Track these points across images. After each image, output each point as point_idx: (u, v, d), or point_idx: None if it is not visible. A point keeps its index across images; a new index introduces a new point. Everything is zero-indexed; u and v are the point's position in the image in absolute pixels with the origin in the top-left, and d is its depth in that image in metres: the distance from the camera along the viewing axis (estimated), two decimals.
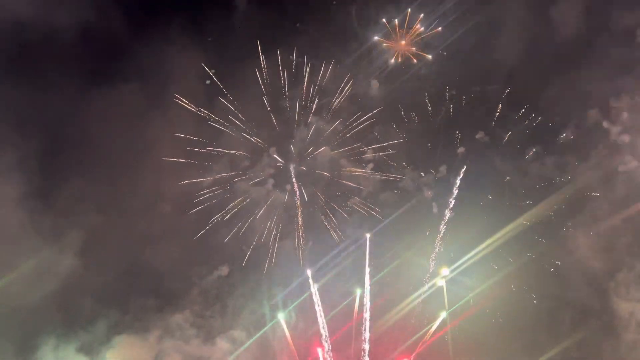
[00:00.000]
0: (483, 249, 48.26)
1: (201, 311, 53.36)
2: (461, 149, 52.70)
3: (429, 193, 53.54)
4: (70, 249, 50.77)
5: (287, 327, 52.34)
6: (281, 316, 52.01)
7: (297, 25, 54.67)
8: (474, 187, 51.82)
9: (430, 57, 53.85)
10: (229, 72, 55.21)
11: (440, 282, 49.08)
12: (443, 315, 48.93)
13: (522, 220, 49.57)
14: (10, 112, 49.49)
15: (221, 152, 55.83)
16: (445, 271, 48.56)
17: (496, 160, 51.24)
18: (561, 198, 49.09)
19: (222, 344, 51.50)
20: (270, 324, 52.38)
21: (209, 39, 54.53)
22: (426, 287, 50.24)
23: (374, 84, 54.51)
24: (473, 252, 48.55)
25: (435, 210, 51.92)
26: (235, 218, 55.26)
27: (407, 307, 50.25)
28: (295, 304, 53.09)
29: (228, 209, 55.15)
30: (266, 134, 55.57)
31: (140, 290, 52.82)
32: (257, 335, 52.45)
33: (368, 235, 52.58)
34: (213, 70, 54.83)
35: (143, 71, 53.43)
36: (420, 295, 50.15)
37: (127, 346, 49.50)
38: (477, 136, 52.45)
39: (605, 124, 47.13)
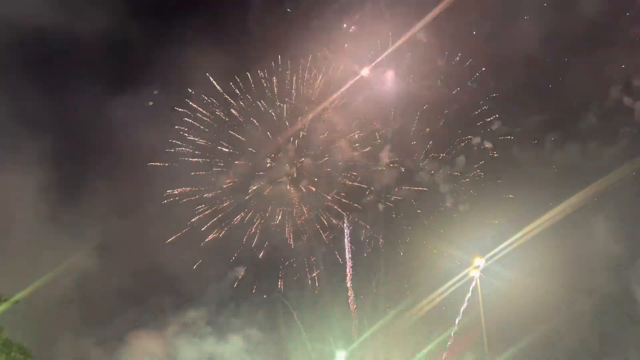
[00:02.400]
0: (516, 240, 46.53)
1: (217, 309, 53.68)
2: (477, 140, 51.39)
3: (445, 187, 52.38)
4: (91, 248, 52.61)
5: None
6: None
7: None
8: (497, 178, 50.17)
9: None
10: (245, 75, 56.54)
11: (474, 272, 47.43)
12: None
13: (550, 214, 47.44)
14: (36, 116, 52.72)
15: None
16: (479, 261, 46.99)
17: (515, 150, 49.38)
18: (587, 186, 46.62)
19: (236, 341, 51.41)
20: None
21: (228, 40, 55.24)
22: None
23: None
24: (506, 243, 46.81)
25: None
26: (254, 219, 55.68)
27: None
28: None
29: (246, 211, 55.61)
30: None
31: (157, 289, 53.81)
32: None
33: None
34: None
35: (162, 75, 55.84)
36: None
37: (143, 342, 50.04)
38: (494, 127, 51.07)
39: (627, 102, 44.88)
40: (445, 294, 49.02)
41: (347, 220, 54.06)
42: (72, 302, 51.44)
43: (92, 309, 51.82)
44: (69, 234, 52.12)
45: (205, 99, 55.94)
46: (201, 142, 55.97)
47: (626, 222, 45.52)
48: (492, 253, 48.27)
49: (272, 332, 53.42)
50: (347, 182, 55.47)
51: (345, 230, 53.58)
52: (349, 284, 52.51)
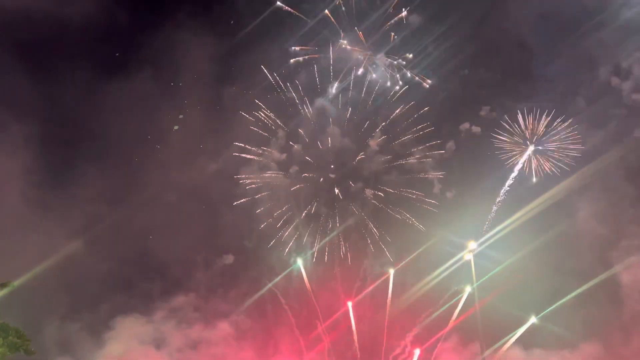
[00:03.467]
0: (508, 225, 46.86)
1: (205, 295, 53.72)
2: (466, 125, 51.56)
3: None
4: (79, 234, 52.65)
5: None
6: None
7: None
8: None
9: None
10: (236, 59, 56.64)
11: (468, 256, 47.42)
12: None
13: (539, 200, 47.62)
14: (23, 100, 52.65)
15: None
16: (473, 245, 47.03)
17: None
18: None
19: (223, 327, 51.54)
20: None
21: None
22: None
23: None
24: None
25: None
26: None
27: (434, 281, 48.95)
28: None
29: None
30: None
31: (146, 275, 53.91)
32: None
33: None
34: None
35: (153, 59, 55.80)
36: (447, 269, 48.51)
37: (129, 327, 50.07)
38: (482, 113, 51.23)
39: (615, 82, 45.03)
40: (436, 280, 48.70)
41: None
42: (60, 287, 51.22)
43: (79, 294, 51.72)
44: (57, 219, 52.07)
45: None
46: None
47: (613, 205, 45.34)
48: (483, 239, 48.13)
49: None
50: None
51: None
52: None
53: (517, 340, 44.92)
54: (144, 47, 56.00)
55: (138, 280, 53.28)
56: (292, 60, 55.00)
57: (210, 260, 55.26)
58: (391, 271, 51.99)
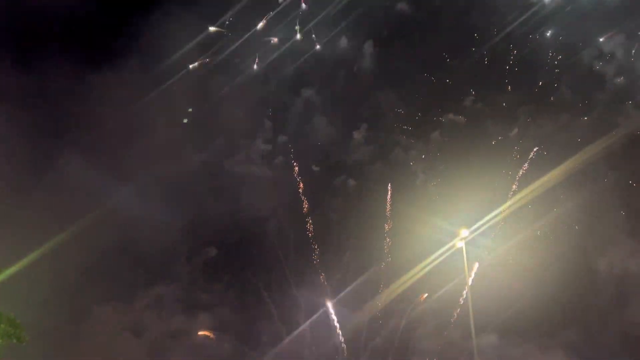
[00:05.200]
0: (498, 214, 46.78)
1: (188, 286, 53.85)
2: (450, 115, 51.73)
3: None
4: (60, 224, 52.81)
5: None
6: None
7: None
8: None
9: None
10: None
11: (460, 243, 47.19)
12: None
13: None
14: (6, 92, 53.13)
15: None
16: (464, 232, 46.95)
17: (489, 123, 49.53)
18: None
19: (204, 318, 51.54)
20: None
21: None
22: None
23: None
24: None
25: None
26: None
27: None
28: None
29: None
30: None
31: (126, 266, 53.91)
32: None
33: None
34: None
35: (140, 50, 56.35)
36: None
37: (108, 316, 50.18)
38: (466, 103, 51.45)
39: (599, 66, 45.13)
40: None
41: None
42: (40, 277, 51.22)
43: (60, 283, 51.73)
44: (38, 209, 52.29)
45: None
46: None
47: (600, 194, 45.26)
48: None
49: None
50: None
51: None
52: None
53: (492, 327, 44.46)
54: (130, 37, 56.66)
55: (119, 270, 53.48)
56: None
57: (193, 252, 55.51)
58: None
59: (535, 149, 49.28)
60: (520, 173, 48.78)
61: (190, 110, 57.82)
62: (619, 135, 44.93)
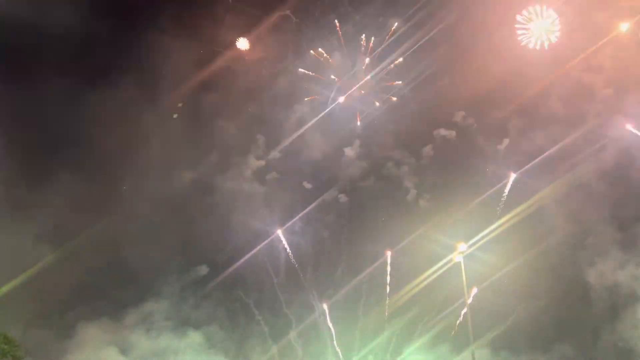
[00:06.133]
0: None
1: (177, 304, 53.50)
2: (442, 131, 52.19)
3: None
4: (51, 241, 53.14)
5: None
6: None
7: None
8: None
9: None
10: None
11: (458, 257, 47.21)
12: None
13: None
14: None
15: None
16: (462, 247, 46.98)
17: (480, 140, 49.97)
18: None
19: (194, 336, 51.09)
20: None
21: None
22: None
23: None
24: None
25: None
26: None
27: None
28: None
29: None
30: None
31: (116, 283, 53.78)
32: None
33: None
34: None
35: (133, 66, 57.11)
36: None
37: (96, 334, 49.85)
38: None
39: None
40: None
41: None
42: (30, 294, 51.18)
43: (49, 300, 51.73)
44: (31, 225, 52.64)
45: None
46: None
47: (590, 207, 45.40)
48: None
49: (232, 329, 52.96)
50: None
51: None
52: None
53: (485, 342, 43.96)
54: (123, 54, 57.54)
55: (108, 288, 53.37)
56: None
57: (183, 269, 55.34)
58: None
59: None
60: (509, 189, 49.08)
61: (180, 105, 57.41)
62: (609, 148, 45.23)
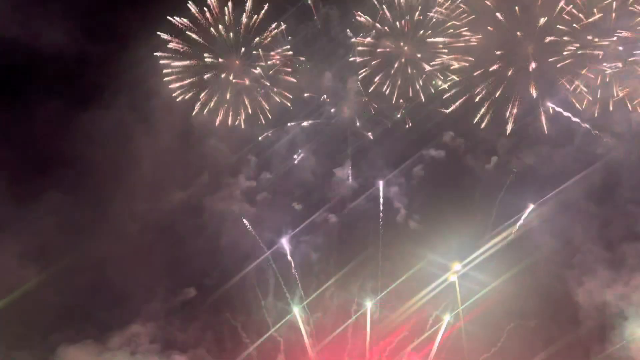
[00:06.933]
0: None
1: (164, 327, 53.02)
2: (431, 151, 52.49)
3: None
4: (36, 262, 52.94)
5: None
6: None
7: None
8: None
9: None
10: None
11: (453, 277, 47.30)
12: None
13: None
14: None
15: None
16: (457, 266, 47.04)
17: (469, 159, 50.15)
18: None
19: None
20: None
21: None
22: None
23: None
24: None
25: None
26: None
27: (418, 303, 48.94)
28: None
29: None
30: None
31: (102, 305, 53.45)
32: None
33: None
34: None
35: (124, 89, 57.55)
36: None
37: (79, 357, 49.33)
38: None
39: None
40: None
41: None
42: (13, 316, 50.84)
43: (32, 323, 51.28)
44: (15, 245, 52.49)
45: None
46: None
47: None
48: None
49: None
50: None
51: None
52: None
53: None
54: (114, 77, 58.04)
55: (93, 309, 52.97)
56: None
57: (170, 291, 54.97)
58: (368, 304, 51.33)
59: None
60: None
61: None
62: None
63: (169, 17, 53.83)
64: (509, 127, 48.55)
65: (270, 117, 55.75)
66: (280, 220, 55.75)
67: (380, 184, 53.65)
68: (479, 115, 49.44)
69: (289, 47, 54.31)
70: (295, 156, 56.92)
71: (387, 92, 52.99)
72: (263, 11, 53.00)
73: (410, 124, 53.43)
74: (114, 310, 53.56)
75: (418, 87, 51.55)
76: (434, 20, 49.96)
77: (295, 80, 55.32)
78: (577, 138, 47.74)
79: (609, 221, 46.46)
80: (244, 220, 55.28)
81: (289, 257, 54.15)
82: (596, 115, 46.72)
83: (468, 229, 48.66)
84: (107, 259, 54.78)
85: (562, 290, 45.03)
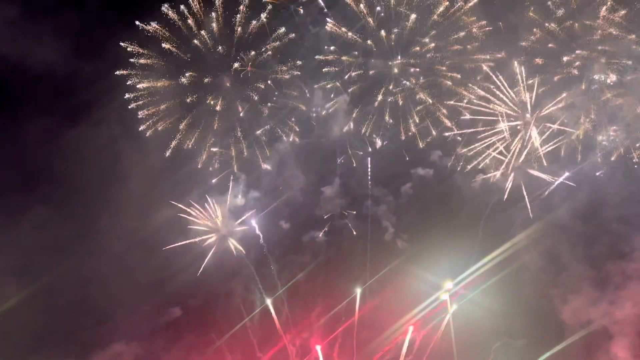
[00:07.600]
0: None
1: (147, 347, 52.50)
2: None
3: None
4: (15, 279, 52.51)
5: None
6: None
7: None
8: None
9: None
10: None
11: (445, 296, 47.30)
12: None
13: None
14: None
15: None
16: (449, 285, 47.14)
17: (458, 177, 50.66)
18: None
19: None
20: None
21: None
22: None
23: None
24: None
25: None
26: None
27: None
28: None
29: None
30: None
31: (84, 324, 52.88)
32: None
33: None
34: None
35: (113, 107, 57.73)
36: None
37: None
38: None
39: None
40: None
41: None
42: None
43: (12, 342, 50.56)
44: None
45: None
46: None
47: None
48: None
49: None
50: None
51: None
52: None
53: None
54: (103, 95, 58.31)
55: (75, 328, 52.35)
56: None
57: (154, 310, 54.51)
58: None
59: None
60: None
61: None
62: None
63: (137, 22, 45.41)
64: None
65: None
66: (266, 239, 55.82)
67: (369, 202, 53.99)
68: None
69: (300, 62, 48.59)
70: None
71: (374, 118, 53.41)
72: (264, 14, 46.60)
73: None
74: (97, 329, 53.12)
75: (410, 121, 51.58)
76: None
77: (304, 108, 51.54)
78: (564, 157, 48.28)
79: (594, 239, 46.84)
80: (231, 240, 54.90)
81: (276, 279, 54.09)
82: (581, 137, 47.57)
83: (456, 248, 48.80)
84: (91, 277, 54.53)
85: (549, 309, 45.09)
